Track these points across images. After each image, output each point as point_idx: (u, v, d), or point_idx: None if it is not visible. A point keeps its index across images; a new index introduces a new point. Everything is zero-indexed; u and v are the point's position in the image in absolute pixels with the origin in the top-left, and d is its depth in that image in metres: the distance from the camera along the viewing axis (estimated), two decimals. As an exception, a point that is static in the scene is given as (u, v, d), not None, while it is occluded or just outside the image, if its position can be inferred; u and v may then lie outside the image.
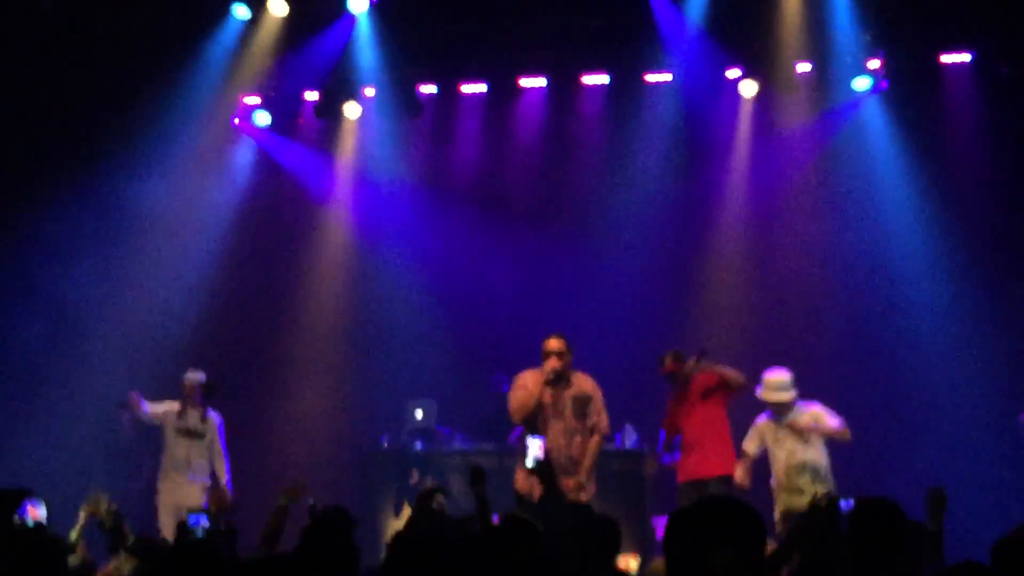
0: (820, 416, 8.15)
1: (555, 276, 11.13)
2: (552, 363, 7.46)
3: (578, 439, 7.52)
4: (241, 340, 11.38)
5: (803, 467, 8.09)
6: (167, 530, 8.41)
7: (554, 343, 7.51)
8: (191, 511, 7.00)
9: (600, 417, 7.61)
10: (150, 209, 11.02)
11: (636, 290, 10.90)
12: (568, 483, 7.39)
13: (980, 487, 9.24)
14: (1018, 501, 9.26)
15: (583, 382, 7.63)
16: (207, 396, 9.21)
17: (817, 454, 8.16)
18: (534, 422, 7.51)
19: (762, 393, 8.22)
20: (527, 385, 7.54)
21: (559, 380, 7.52)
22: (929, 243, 10.67)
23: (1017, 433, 9.20)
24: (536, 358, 7.54)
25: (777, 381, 8.17)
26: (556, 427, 7.50)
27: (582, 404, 7.56)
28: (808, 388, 9.54)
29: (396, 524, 9.27)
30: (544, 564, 4.25)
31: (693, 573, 2.73)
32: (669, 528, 2.88)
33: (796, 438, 8.15)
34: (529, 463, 6.96)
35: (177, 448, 9.10)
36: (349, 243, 11.72)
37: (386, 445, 10.35)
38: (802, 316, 10.80)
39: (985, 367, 10.04)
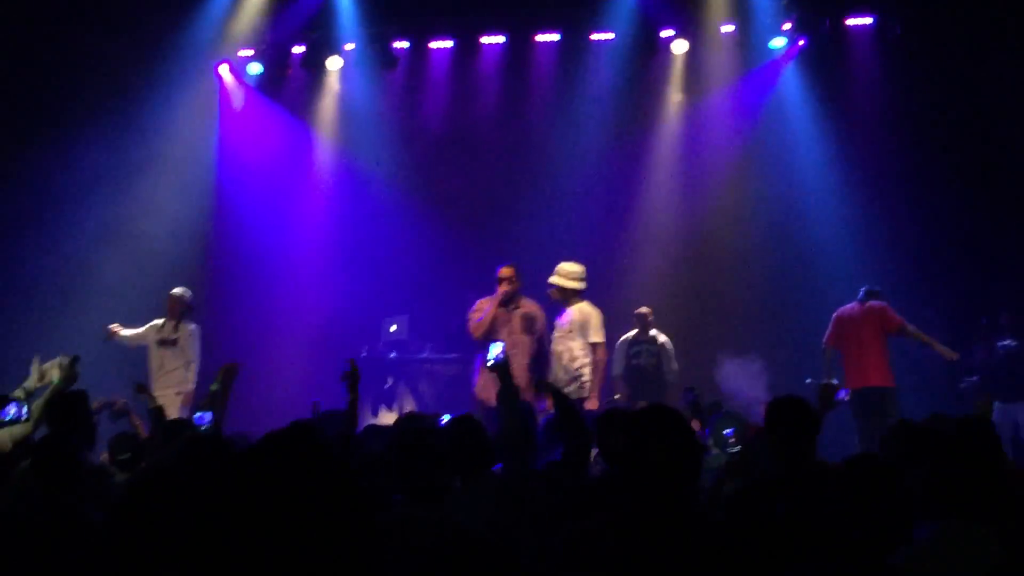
0: None
1: (512, 208, 11.41)
2: (503, 288, 7.97)
3: (520, 351, 7.99)
4: (234, 266, 11.63)
5: None
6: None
7: (504, 271, 8.07)
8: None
9: (543, 330, 8.11)
10: (144, 155, 11.10)
11: (581, 228, 11.18)
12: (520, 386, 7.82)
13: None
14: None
15: (529, 305, 8.15)
16: (186, 311, 9.35)
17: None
18: (489, 337, 7.98)
19: None
20: (482, 308, 8.06)
21: (508, 302, 8.03)
22: (839, 192, 10.96)
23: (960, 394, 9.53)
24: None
25: None
26: (506, 340, 7.95)
27: (529, 321, 8.08)
28: (728, 337, 10.00)
29: (373, 421, 9.64)
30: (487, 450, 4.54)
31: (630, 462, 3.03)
32: (604, 425, 3.12)
33: None
34: (489, 363, 7.38)
35: (153, 358, 9.23)
36: (329, 183, 11.91)
37: (365, 354, 10.68)
38: (726, 265, 11.09)
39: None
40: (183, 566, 2.75)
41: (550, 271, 8.95)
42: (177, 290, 9.36)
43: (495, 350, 7.30)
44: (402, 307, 11.03)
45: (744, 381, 9.52)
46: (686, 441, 3.09)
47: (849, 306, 9.17)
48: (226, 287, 11.50)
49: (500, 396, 6.94)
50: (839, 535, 3.15)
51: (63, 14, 10.53)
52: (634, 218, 11.54)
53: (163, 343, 9.22)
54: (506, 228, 11.29)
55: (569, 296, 8.25)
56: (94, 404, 6.21)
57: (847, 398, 6.64)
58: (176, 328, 9.27)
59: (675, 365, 9.93)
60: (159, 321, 9.32)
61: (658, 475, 3.02)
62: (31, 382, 5.99)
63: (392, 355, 10.68)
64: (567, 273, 8.29)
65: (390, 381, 10.43)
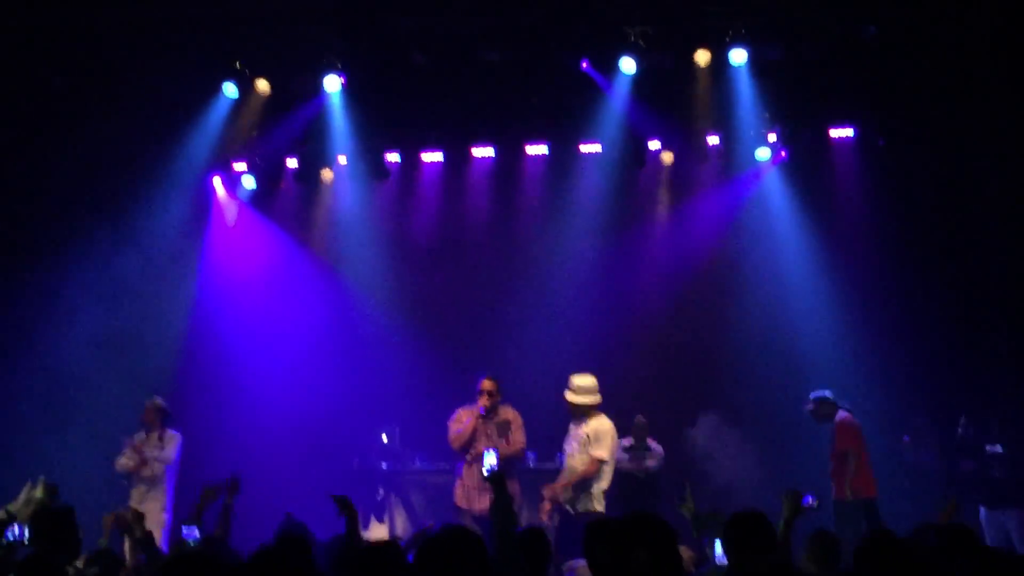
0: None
1: (502, 318, 11.94)
2: (483, 400, 8.30)
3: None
4: (224, 377, 12.00)
5: None
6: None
7: (487, 384, 8.41)
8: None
9: (516, 435, 8.37)
10: (136, 268, 11.57)
11: (572, 333, 11.74)
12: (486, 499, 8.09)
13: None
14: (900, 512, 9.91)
15: (506, 412, 8.49)
16: (164, 419, 9.70)
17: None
18: (468, 447, 8.29)
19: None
20: (462, 419, 8.37)
21: (488, 414, 8.33)
22: (823, 293, 11.57)
23: (900, 450, 9.96)
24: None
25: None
26: (479, 449, 8.25)
27: (504, 429, 8.38)
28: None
29: (365, 534, 9.77)
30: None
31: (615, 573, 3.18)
32: (591, 535, 3.28)
33: None
34: (485, 472, 7.59)
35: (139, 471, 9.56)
36: (322, 284, 12.40)
37: (356, 465, 10.84)
38: (715, 358, 11.66)
39: (872, 388, 10.83)
40: None
41: (542, 376, 9.25)
42: (149, 401, 9.73)
43: (490, 459, 7.54)
44: (393, 418, 11.27)
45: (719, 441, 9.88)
46: (669, 552, 3.22)
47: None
48: (215, 398, 11.94)
49: (493, 508, 7.14)
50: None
51: (55, 123, 11.16)
52: (623, 322, 12.14)
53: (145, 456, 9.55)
54: (496, 338, 11.89)
55: (585, 411, 8.48)
56: (107, 519, 6.38)
57: (814, 504, 6.82)
58: (160, 439, 9.60)
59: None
60: (140, 435, 9.62)
61: None
62: (16, 505, 6.11)
63: (383, 465, 10.87)
64: (579, 388, 8.53)
65: (382, 492, 10.59)
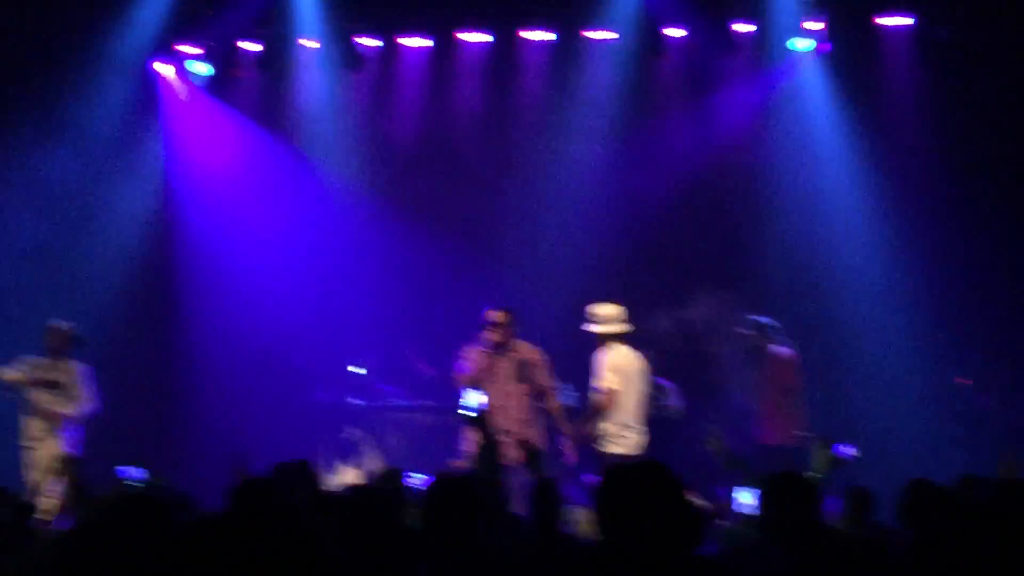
0: None
1: (498, 230, 11.69)
2: (491, 335, 8.21)
3: (515, 402, 8.22)
4: (178, 286, 11.88)
5: None
6: (34, 486, 8.56)
7: (491, 315, 8.30)
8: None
9: (542, 376, 8.34)
10: (80, 167, 11.32)
11: (578, 246, 11.50)
12: (508, 441, 8.04)
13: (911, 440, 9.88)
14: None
15: (526, 350, 8.38)
16: (67, 346, 9.31)
17: None
18: (477, 386, 8.23)
19: None
20: (470, 357, 8.30)
21: (499, 349, 8.26)
22: (864, 201, 11.32)
23: (953, 392, 9.95)
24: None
25: None
26: (496, 390, 8.20)
27: (522, 367, 8.30)
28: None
29: (332, 480, 9.78)
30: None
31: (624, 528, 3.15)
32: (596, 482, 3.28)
33: None
34: (465, 411, 7.62)
35: (40, 401, 9.19)
36: (291, 179, 12.15)
37: (323, 399, 10.81)
38: (742, 269, 11.42)
39: (917, 321, 10.77)
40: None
41: (542, 296, 9.18)
42: (56, 322, 9.32)
43: (473, 398, 7.53)
44: (368, 344, 11.17)
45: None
46: (677, 505, 3.16)
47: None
48: (165, 314, 11.74)
49: (479, 453, 7.18)
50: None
51: None
52: (636, 233, 11.80)
53: (41, 384, 9.17)
54: (490, 253, 11.51)
55: (603, 341, 8.53)
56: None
57: (854, 456, 6.76)
58: (67, 370, 9.25)
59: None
60: (40, 360, 9.24)
61: (649, 544, 3.10)
62: None
63: (354, 400, 10.81)
64: (595, 317, 8.55)
65: (351, 432, 10.56)
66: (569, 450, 8.50)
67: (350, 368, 10.90)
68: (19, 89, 10.90)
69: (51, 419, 9.14)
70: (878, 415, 10.61)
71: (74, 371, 9.28)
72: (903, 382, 10.78)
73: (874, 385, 10.92)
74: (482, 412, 7.72)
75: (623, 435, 8.47)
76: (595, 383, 8.49)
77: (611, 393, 8.46)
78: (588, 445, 8.52)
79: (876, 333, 11.06)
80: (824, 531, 4.43)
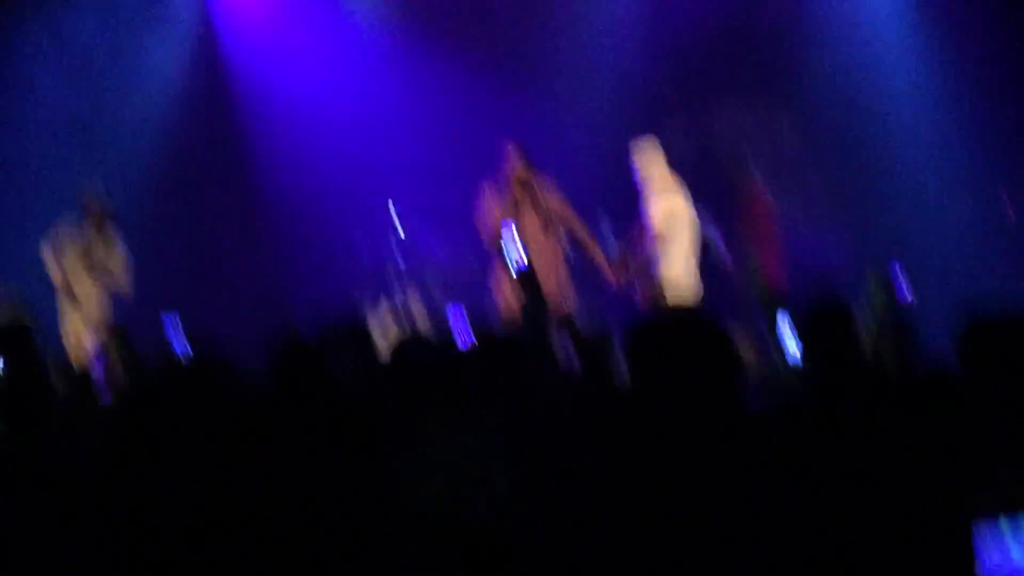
0: None
1: (519, 58, 11.55)
2: (511, 167, 7.96)
3: (548, 256, 8.04)
4: (208, 166, 11.75)
5: None
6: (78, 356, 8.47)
7: (509, 150, 8.04)
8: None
9: (577, 227, 8.14)
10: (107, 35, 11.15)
11: (610, 84, 11.27)
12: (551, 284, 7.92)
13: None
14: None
15: (545, 192, 8.17)
16: (111, 218, 9.24)
17: None
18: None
19: None
20: (489, 206, 8.08)
21: (520, 192, 8.03)
22: (912, 22, 11.03)
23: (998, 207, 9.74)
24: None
25: None
26: (530, 224, 8.02)
27: (546, 218, 8.09)
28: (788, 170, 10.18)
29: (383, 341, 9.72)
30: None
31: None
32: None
33: None
34: (512, 270, 7.47)
35: (82, 270, 9.14)
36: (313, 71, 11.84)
37: (365, 259, 10.69)
38: (780, 107, 11.16)
39: (961, 143, 10.63)
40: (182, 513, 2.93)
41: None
42: (93, 191, 9.19)
43: (513, 253, 7.34)
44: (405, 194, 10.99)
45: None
46: (719, 357, 3.00)
47: None
48: (207, 165, 11.69)
49: (525, 314, 7.04)
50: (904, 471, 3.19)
51: None
52: (668, 71, 11.47)
53: (83, 255, 9.08)
54: (510, 113, 11.20)
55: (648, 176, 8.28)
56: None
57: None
58: (94, 236, 9.13)
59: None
60: (78, 238, 9.09)
61: (684, 397, 2.94)
62: None
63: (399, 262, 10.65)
64: (637, 151, 8.32)
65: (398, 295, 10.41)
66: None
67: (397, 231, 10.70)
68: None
69: (94, 289, 9.08)
70: (923, 240, 10.46)
71: (113, 240, 9.20)
72: (947, 206, 10.70)
73: (917, 208, 10.80)
74: (530, 269, 7.57)
75: (680, 283, 8.29)
76: (650, 229, 8.22)
77: (667, 239, 8.25)
78: (643, 293, 8.32)
79: (920, 156, 10.92)
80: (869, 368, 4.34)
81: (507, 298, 8.15)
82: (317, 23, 11.92)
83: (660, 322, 3.06)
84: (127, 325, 8.33)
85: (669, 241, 8.25)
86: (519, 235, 8.09)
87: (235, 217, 11.67)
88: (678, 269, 8.29)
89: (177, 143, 11.49)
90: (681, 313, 3.31)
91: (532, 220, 8.21)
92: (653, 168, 8.34)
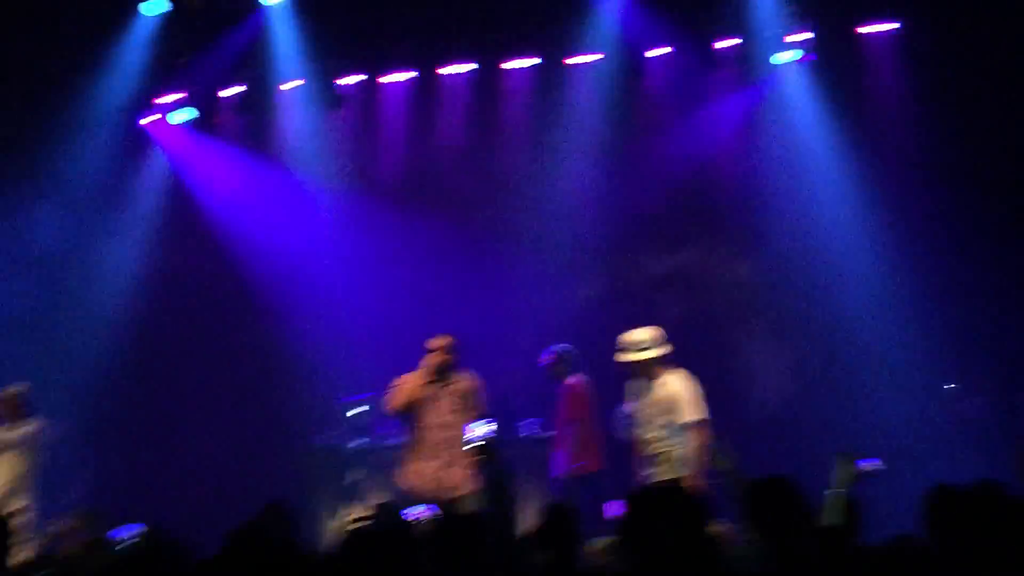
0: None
1: (484, 267, 11.63)
2: (431, 360, 7.95)
3: (453, 433, 7.97)
4: (171, 345, 11.69)
5: None
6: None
7: (435, 342, 8.03)
8: None
9: (479, 407, 8.11)
10: (62, 228, 11.22)
11: (564, 276, 11.42)
12: (440, 471, 7.82)
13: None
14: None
15: (465, 379, 8.11)
16: (27, 408, 9.14)
17: None
18: (416, 419, 7.95)
19: None
20: (405, 382, 8.01)
21: (439, 377, 8.00)
22: (855, 207, 11.19)
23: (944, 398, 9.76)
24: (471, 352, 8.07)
25: None
26: (435, 423, 7.95)
27: (463, 399, 8.03)
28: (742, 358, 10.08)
29: (334, 525, 9.58)
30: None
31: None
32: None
33: None
34: (475, 443, 7.41)
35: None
36: (274, 243, 11.97)
37: (321, 442, 10.61)
38: (732, 290, 11.27)
39: (912, 326, 10.57)
40: None
41: (531, 322, 8.95)
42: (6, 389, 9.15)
43: (479, 429, 7.32)
44: (362, 386, 10.96)
45: None
46: (694, 528, 3.08)
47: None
48: (160, 374, 11.59)
49: (488, 487, 6.93)
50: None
51: None
52: (625, 242, 11.72)
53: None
54: (479, 280, 11.38)
55: (650, 369, 7.96)
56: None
57: (877, 468, 6.36)
58: (14, 429, 9.06)
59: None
60: None
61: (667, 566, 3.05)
62: None
63: (353, 443, 10.59)
64: (635, 343, 8.00)
65: (352, 475, 10.31)
66: None
67: (349, 412, 10.67)
68: (4, 148, 10.72)
69: (15, 481, 8.91)
70: (876, 421, 10.34)
71: (27, 430, 9.06)
72: (899, 387, 10.61)
73: (868, 393, 10.72)
74: (490, 442, 7.50)
75: (688, 460, 7.94)
76: (691, 415, 7.86)
77: (706, 422, 7.89)
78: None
79: (871, 339, 10.87)
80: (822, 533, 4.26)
81: (420, 480, 8.02)
82: (281, 187, 12.17)
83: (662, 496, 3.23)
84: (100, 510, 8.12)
85: (678, 419, 7.94)
86: (427, 409, 8.04)
87: (188, 405, 11.56)
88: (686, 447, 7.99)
89: (136, 330, 11.50)
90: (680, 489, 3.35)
91: (445, 397, 8.13)
92: (657, 349, 8.00)
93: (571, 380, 9.37)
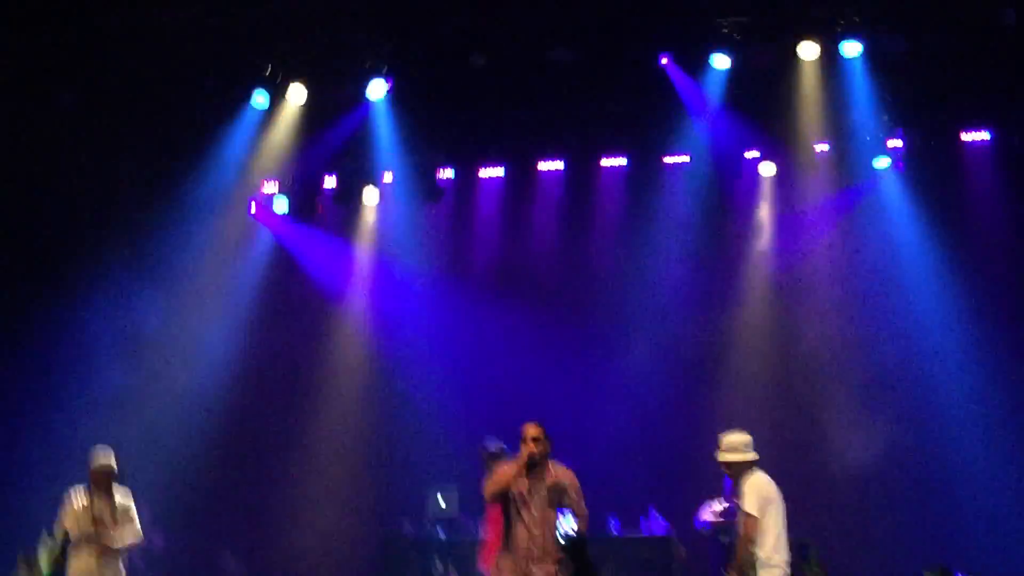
0: None
1: (577, 361, 11.71)
2: (528, 449, 7.83)
3: (544, 527, 7.85)
4: (263, 429, 11.85)
5: None
6: None
7: (530, 429, 7.92)
8: None
9: (579, 504, 7.98)
10: (164, 312, 11.53)
11: (659, 373, 11.50)
12: (529, 566, 7.75)
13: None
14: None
15: (560, 472, 8.02)
16: (116, 478, 9.01)
17: None
18: (508, 510, 7.87)
19: None
20: (502, 471, 7.95)
21: (534, 467, 7.90)
22: (949, 316, 11.15)
23: None
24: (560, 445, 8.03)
25: None
26: (528, 516, 7.87)
27: (558, 494, 7.93)
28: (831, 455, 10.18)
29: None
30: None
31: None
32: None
33: None
34: (561, 538, 7.34)
35: (92, 537, 8.75)
36: (368, 331, 12.33)
37: (408, 532, 10.64)
38: (825, 392, 11.20)
39: (1007, 437, 10.56)
40: None
41: (621, 427, 8.94)
42: (97, 453, 9.00)
43: (567, 524, 7.26)
44: (450, 476, 11.03)
45: None
46: None
47: None
48: (255, 456, 11.78)
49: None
50: None
51: (62, 144, 10.92)
52: (721, 354, 11.73)
53: (92, 522, 8.79)
54: (569, 380, 11.40)
55: (740, 470, 8.20)
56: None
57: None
58: (106, 499, 8.90)
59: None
60: (80, 501, 8.88)
61: None
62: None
63: (441, 534, 10.63)
64: (729, 446, 8.27)
65: (439, 566, 10.37)
66: None
67: (437, 502, 10.73)
68: (113, 233, 11.03)
69: (106, 553, 8.91)
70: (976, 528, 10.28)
71: (119, 501, 8.99)
72: (1001, 494, 10.53)
73: (971, 500, 10.60)
74: (578, 538, 7.44)
75: (772, 563, 8.11)
76: (744, 511, 8.13)
77: (756, 520, 8.12)
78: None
79: (970, 441, 10.76)
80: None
81: (507, 572, 7.97)
82: (378, 275, 12.47)
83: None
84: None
85: (761, 521, 8.13)
86: (521, 502, 7.97)
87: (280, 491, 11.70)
88: (769, 549, 8.13)
89: (228, 413, 11.70)
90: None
91: (539, 490, 8.07)
92: (743, 454, 8.27)
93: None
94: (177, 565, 10.59)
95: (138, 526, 9.03)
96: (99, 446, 9.03)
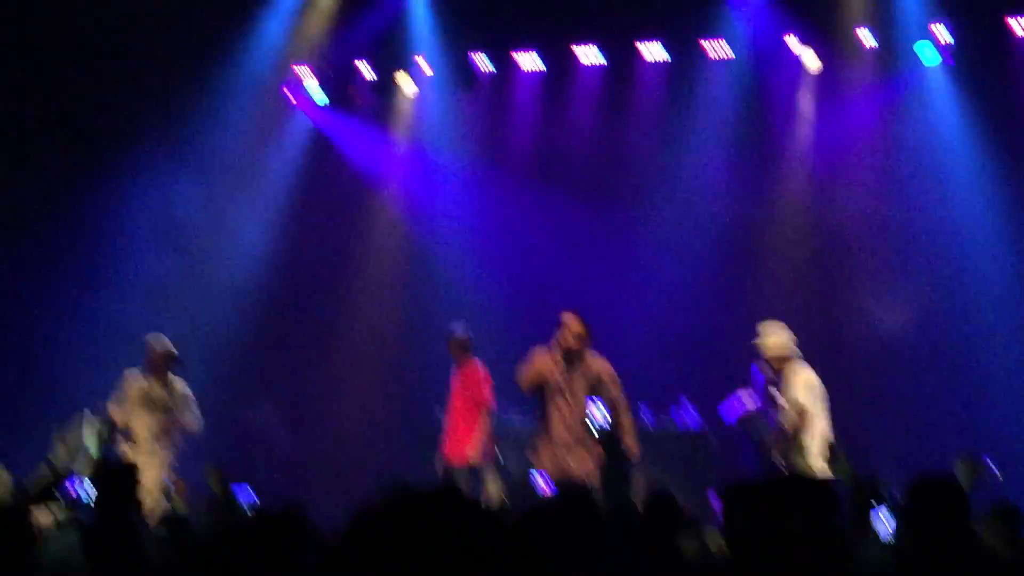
0: None
1: (613, 251, 11.63)
2: (563, 337, 7.78)
3: (581, 418, 7.82)
4: (300, 317, 12.00)
5: None
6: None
7: (568, 318, 7.85)
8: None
9: (614, 393, 7.92)
10: (200, 198, 11.51)
11: (694, 263, 11.35)
12: (567, 455, 7.75)
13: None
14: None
15: (596, 363, 7.96)
16: (174, 365, 9.16)
17: None
18: (543, 398, 7.85)
19: None
20: (535, 359, 7.89)
21: (571, 357, 7.83)
22: (994, 213, 10.89)
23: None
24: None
25: None
26: (565, 406, 7.84)
27: (594, 385, 7.87)
28: (870, 360, 10.14)
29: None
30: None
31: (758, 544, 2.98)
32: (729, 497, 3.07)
33: None
34: (593, 428, 7.33)
35: (147, 423, 8.98)
36: (406, 219, 12.14)
37: (440, 417, 10.67)
38: (863, 287, 11.03)
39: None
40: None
41: (657, 318, 8.89)
42: (157, 339, 9.14)
43: (598, 413, 7.22)
44: (488, 364, 11.02)
45: None
46: (827, 522, 2.97)
47: None
48: (292, 346, 11.88)
49: (604, 473, 6.89)
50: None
51: (112, 48, 10.93)
52: (754, 254, 11.61)
53: (153, 407, 9.01)
54: (606, 270, 11.32)
55: (784, 363, 8.24)
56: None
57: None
58: (165, 385, 9.09)
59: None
60: (139, 381, 9.05)
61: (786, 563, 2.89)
62: (59, 458, 6.08)
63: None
64: (776, 340, 8.35)
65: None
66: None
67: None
68: (149, 117, 11.04)
69: (160, 439, 9.01)
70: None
71: (178, 388, 9.19)
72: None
73: (1005, 395, 10.42)
74: (610, 426, 7.42)
75: (820, 454, 8.10)
76: (790, 403, 8.14)
77: (807, 412, 8.15)
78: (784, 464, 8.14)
79: (1006, 342, 10.59)
80: (977, 548, 4.12)
81: (549, 462, 7.96)
82: (414, 164, 12.40)
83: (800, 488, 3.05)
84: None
85: (811, 414, 8.16)
86: (558, 391, 7.95)
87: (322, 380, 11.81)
88: (819, 439, 8.13)
89: (266, 300, 11.79)
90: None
91: (576, 380, 8.01)
92: (785, 348, 8.29)
93: (475, 362, 9.45)
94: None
95: (199, 413, 9.17)
96: (152, 333, 9.15)
